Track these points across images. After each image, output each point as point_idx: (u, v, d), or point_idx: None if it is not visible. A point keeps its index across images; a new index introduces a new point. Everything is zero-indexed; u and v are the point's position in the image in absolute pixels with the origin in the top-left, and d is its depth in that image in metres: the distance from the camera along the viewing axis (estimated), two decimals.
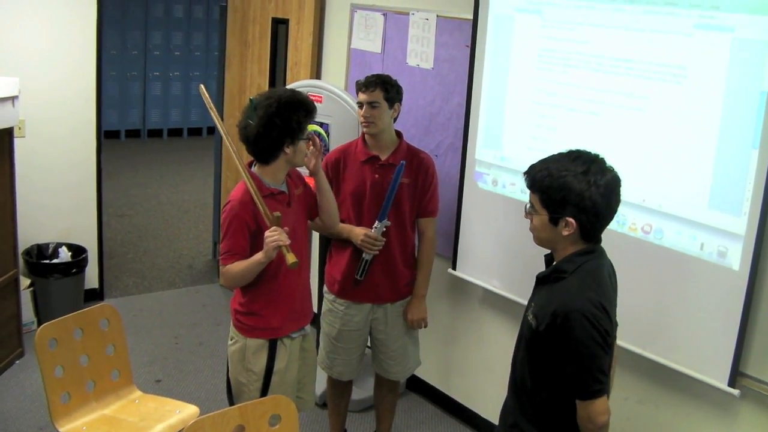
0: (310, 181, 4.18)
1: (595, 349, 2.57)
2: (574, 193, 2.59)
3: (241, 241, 3.37)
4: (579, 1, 3.80)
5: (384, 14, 5.08)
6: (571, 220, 2.63)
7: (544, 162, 2.72)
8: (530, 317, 2.73)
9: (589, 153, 2.70)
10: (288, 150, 3.40)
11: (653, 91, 3.52)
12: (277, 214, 3.27)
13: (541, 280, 2.79)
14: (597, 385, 2.59)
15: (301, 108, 3.39)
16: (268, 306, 3.51)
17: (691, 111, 3.39)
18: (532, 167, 2.74)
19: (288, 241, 3.25)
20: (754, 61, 3.16)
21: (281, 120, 3.33)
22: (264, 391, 3.51)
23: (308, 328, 3.71)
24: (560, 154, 2.72)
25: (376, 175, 3.96)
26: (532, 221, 2.76)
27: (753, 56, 3.17)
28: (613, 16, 3.65)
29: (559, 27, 3.91)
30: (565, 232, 2.65)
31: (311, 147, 3.49)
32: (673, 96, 3.45)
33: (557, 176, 2.63)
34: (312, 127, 3.67)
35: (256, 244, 3.32)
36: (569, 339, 2.57)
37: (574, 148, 2.76)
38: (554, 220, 2.66)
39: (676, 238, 3.51)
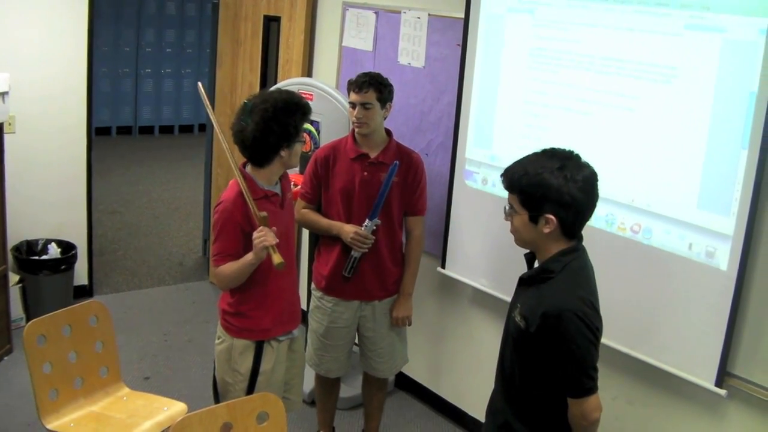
0: (298, 179, 4.18)
1: (587, 347, 2.58)
2: (553, 189, 2.60)
3: (234, 243, 3.36)
4: (570, 0, 3.80)
5: (376, 12, 5.08)
6: (551, 216, 2.63)
7: (519, 162, 2.73)
8: (518, 318, 2.73)
9: (564, 150, 2.71)
10: (284, 153, 3.38)
11: (643, 91, 3.53)
12: (264, 213, 3.26)
13: (527, 281, 2.78)
14: (590, 382, 2.61)
15: (297, 111, 3.38)
16: (257, 308, 3.50)
17: (681, 111, 3.40)
18: (509, 169, 2.74)
19: (275, 241, 3.24)
20: (744, 62, 3.17)
21: (278, 125, 3.31)
22: (249, 392, 3.50)
23: (296, 331, 3.71)
24: (535, 154, 2.73)
25: (366, 173, 3.96)
26: (512, 223, 2.76)
27: (743, 57, 3.17)
28: (605, 15, 3.66)
29: (551, 26, 3.92)
30: (546, 230, 2.65)
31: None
32: (663, 96, 3.46)
33: (534, 174, 2.64)
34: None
35: (250, 244, 3.31)
36: (562, 339, 2.58)
37: (548, 147, 2.76)
38: (534, 219, 2.67)
39: (664, 238, 3.52)
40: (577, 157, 2.69)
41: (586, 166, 2.68)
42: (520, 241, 2.79)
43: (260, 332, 3.53)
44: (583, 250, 2.76)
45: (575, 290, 2.63)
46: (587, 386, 2.61)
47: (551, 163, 2.64)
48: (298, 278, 3.78)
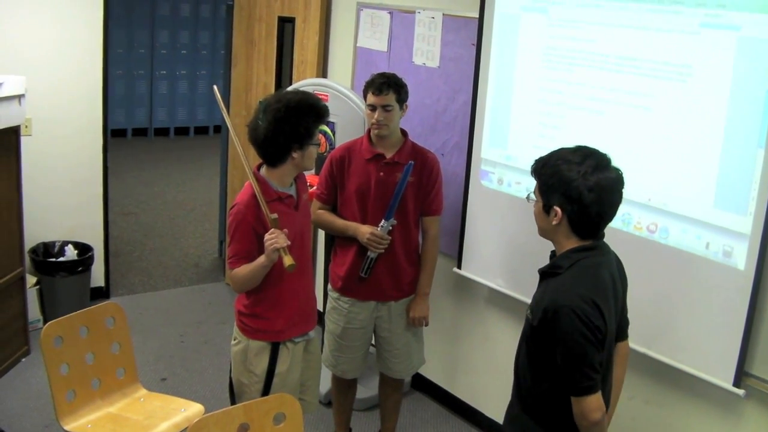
0: (314, 181, 4.18)
1: (584, 344, 2.57)
2: (563, 181, 2.63)
3: (247, 245, 3.36)
4: None
5: (390, 13, 5.08)
6: (557, 209, 2.66)
7: (550, 152, 2.76)
8: (528, 312, 2.76)
9: (594, 149, 2.70)
10: (296, 155, 3.37)
11: (659, 90, 3.52)
12: (274, 215, 3.25)
13: (541, 276, 2.81)
14: (587, 381, 2.59)
15: (310, 113, 3.35)
16: (272, 309, 3.50)
17: (696, 110, 3.39)
18: (539, 157, 2.78)
19: (286, 243, 3.23)
20: (760, 60, 3.16)
21: (289, 125, 3.30)
22: (265, 393, 3.50)
23: (312, 333, 3.71)
24: (566, 148, 2.75)
25: (381, 173, 3.96)
26: (534, 210, 2.81)
27: (759, 55, 3.16)
28: (619, 14, 3.65)
29: (565, 25, 3.91)
30: (554, 222, 2.68)
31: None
32: (678, 95, 3.45)
33: (552, 164, 2.68)
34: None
35: (263, 246, 3.31)
36: (559, 334, 2.58)
37: (583, 144, 2.77)
38: (546, 209, 2.70)
39: (681, 238, 3.51)
40: (603, 157, 2.68)
41: (610, 169, 2.66)
42: (538, 230, 2.83)
43: (275, 333, 3.53)
44: (602, 250, 2.76)
45: (577, 287, 2.62)
46: (584, 385, 2.59)
47: (572, 157, 2.66)
48: (314, 279, 3.77)
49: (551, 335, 2.61)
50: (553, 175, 2.66)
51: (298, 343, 3.61)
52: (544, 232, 2.80)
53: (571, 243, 2.71)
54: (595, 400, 2.61)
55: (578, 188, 2.60)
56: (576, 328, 2.55)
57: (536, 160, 2.77)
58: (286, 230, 3.27)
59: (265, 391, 3.52)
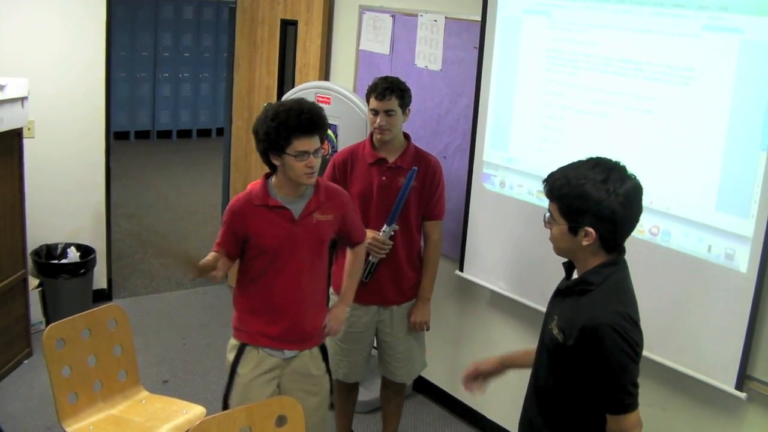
0: None
1: (626, 362, 2.51)
2: (593, 201, 2.52)
3: (225, 240, 3.48)
4: (587, 2, 3.79)
5: (392, 16, 5.08)
6: (590, 230, 2.55)
7: (562, 170, 2.65)
8: (555, 330, 2.65)
9: (609, 160, 2.62)
10: (277, 162, 3.33)
11: (661, 93, 3.52)
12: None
13: (565, 292, 2.71)
14: (629, 398, 2.54)
15: (282, 122, 3.25)
16: (249, 311, 3.51)
17: (699, 113, 3.39)
18: (551, 175, 2.67)
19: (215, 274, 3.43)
20: (762, 63, 3.16)
21: (263, 131, 3.29)
22: (227, 391, 3.48)
23: (291, 353, 3.53)
24: (579, 162, 2.65)
25: (384, 178, 3.95)
26: (551, 231, 2.69)
27: (761, 58, 3.16)
28: (622, 17, 3.65)
29: (568, 29, 3.91)
30: (585, 242, 2.58)
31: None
32: (681, 98, 3.44)
33: (575, 184, 2.56)
34: None
35: (248, 248, 3.42)
36: (600, 354, 2.51)
37: (594, 154, 2.68)
38: (573, 230, 2.59)
39: (683, 241, 3.50)
40: (622, 168, 2.61)
41: (630, 178, 2.59)
42: (557, 250, 2.72)
43: (244, 333, 3.51)
44: (624, 263, 2.68)
45: (614, 304, 2.56)
46: (626, 402, 2.54)
47: (594, 174, 2.56)
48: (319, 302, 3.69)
49: (590, 355, 2.53)
50: (579, 197, 2.55)
51: (274, 356, 3.51)
52: (567, 252, 2.69)
53: (598, 259, 2.62)
54: (634, 416, 2.56)
55: (611, 207, 2.52)
56: (618, 346, 2.49)
57: (549, 181, 2.66)
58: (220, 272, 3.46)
59: (228, 388, 3.49)
